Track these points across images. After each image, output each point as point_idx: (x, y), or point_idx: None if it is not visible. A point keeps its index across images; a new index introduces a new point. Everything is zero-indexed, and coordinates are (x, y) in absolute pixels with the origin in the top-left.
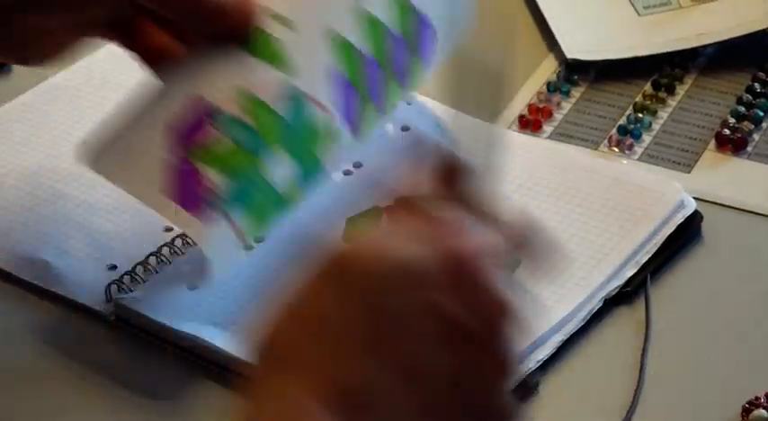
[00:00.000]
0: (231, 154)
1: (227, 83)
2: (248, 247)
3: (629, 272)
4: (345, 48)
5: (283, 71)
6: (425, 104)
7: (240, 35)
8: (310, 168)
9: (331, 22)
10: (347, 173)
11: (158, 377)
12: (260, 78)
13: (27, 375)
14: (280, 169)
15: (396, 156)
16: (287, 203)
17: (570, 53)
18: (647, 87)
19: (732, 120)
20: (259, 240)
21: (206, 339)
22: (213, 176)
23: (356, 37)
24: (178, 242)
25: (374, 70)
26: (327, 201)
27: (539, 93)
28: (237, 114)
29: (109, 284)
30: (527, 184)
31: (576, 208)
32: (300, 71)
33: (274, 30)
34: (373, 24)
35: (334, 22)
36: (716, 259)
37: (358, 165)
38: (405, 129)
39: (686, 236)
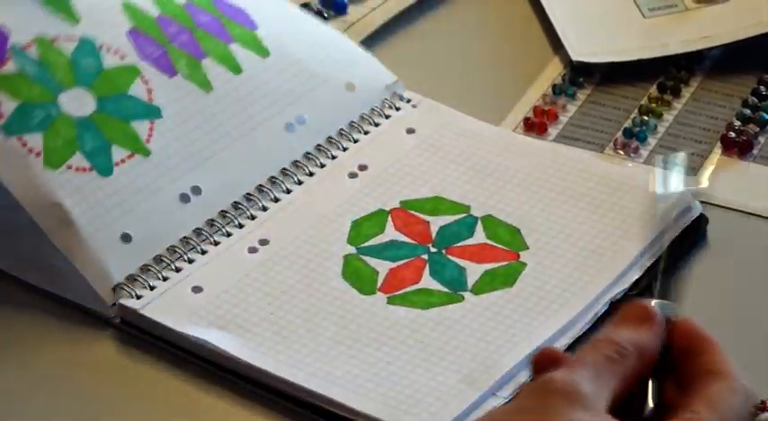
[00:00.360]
0: (24, 84)
1: (26, 28)
2: (253, 250)
3: (635, 275)
4: (133, 8)
5: (73, 22)
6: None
7: None
8: (114, 100)
9: None
10: (352, 175)
11: (164, 380)
12: (54, 28)
13: (30, 377)
14: (75, 101)
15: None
16: (96, 129)
17: (575, 55)
18: (653, 90)
19: (738, 123)
20: (264, 242)
21: (211, 342)
22: (4, 99)
23: (146, 3)
24: (185, 246)
25: (169, 24)
26: (332, 204)
27: (544, 95)
28: (34, 56)
29: (114, 287)
30: (532, 187)
31: (581, 211)
32: (92, 25)
33: None
34: None
35: None
36: (721, 262)
37: (363, 168)
38: (410, 131)
39: (692, 239)
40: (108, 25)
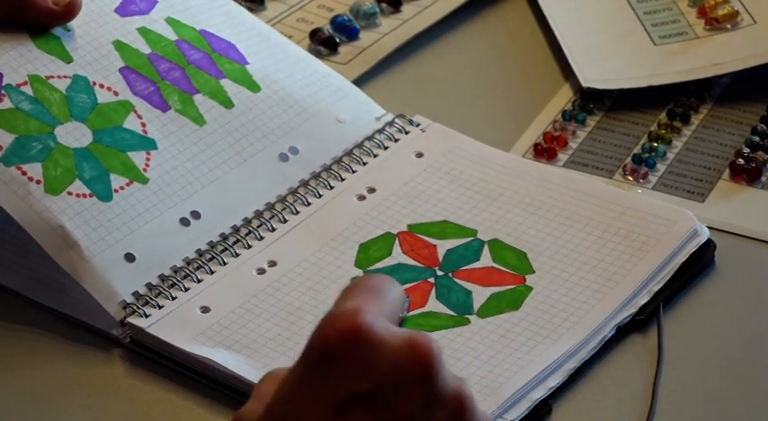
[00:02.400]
0: (20, 119)
1: (20, 68)
2: (261, 271)
3: (642, 300)
4: (124, 47)
5: (66, 61)
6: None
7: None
8: (109, 133)
9: (113, 34)
10: (361, 198)
11: (172, 400)
12: (47, 67)
13: (37, 396)
14: (72, 133)
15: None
16: (93, 158)
17: (586, 82)
18: (663, 116)
19: (746, 150)
20: (272, 264)
21: (218, 362)
22: (1, 133)
23: (137, 41)
24: (193, 266)
25: (160, 62)
26: (340, 226)
27: (554, 121)
28: (28, 93)
29: (123, 307)
30: (538, 212)
31: (588, 236)
32: (85, 64)
33: (54, 29)
34: (148, 33)
35: (115, 33)
36: (729, 288)
37: (372, 191)
38: (419, 155)
39: (699, 264)
40: (100, 64)
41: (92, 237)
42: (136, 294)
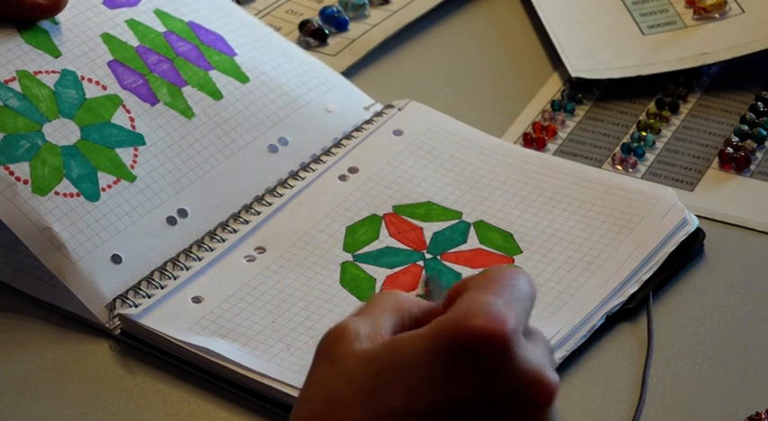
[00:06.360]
0: (8, 117)
1: (8, 63)
2: (250, 259)
3: (632, 289)
4: (112, 40)
5: (54, 56)
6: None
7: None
8: (97, 129)
9: (101, 27)
10: (343, 178)
11: (162, 390)
12: (36, 62)
13: (32, 388)
14: (60, 131)
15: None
16: (81, 156)
17: (575, 72)
18: (651, 106)
19: (735, 139)
20: (261, 250)
21: (216, 351)
22: None
23: (125, 33)
24: (182, 257)
25: (149, 54)
26: (325, 208)
27: (543, 111)
28: (17, 89)
29: (114, 299)
30: (522, 193)
31: (572, 215)
32: (72, 57)
33: (42, 23)
34: (137, 25)
35: (103, 26)
36: (718, 276)
37: (354, 170)
38: (397, 133)
39: (689, 253)
40: (89, 57)
41: (78, 238)
42: (122, 297)
